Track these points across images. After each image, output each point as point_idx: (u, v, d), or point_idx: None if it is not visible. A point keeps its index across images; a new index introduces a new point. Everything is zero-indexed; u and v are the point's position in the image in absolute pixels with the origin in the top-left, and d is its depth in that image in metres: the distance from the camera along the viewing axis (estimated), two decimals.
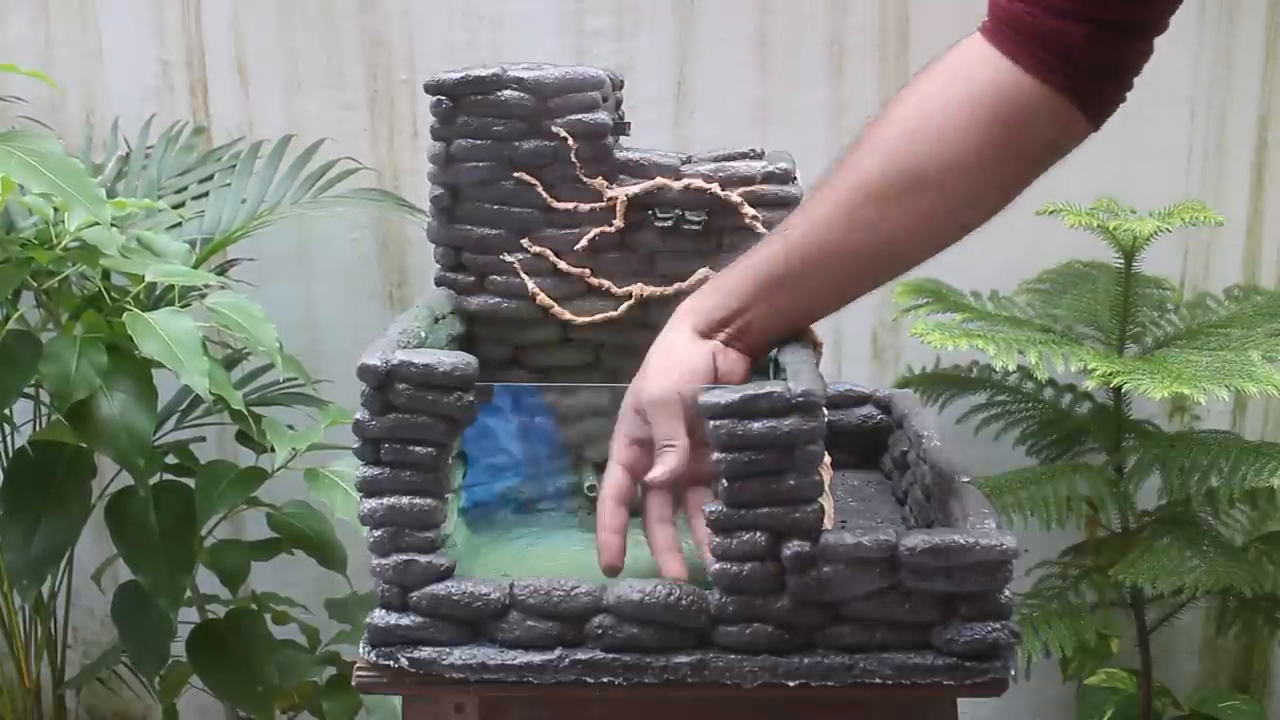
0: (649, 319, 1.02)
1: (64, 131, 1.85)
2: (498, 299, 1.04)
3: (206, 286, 1.40)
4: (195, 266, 1.46)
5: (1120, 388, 1.53)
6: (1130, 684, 1.73)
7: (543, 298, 1.03)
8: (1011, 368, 1.49)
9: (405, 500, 0.85)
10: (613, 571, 0.87)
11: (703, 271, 1.02)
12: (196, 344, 1.29)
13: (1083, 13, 0.84)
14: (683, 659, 0.84)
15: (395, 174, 1.86)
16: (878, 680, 0.84)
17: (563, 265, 1.03)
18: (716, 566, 0.83)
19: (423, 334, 0.93)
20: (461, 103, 1.00)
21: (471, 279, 1.04)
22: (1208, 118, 1.81)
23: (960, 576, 0.81)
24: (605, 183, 1.01)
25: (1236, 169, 1.83)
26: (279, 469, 1.43)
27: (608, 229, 1.02)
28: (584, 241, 1.02)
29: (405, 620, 0.85)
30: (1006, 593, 0.83)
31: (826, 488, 0.85)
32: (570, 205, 1.02)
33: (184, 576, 1.46)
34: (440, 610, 0.85)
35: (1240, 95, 1.81)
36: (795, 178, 1.02)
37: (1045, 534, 1.67)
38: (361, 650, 0.87)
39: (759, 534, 0.82)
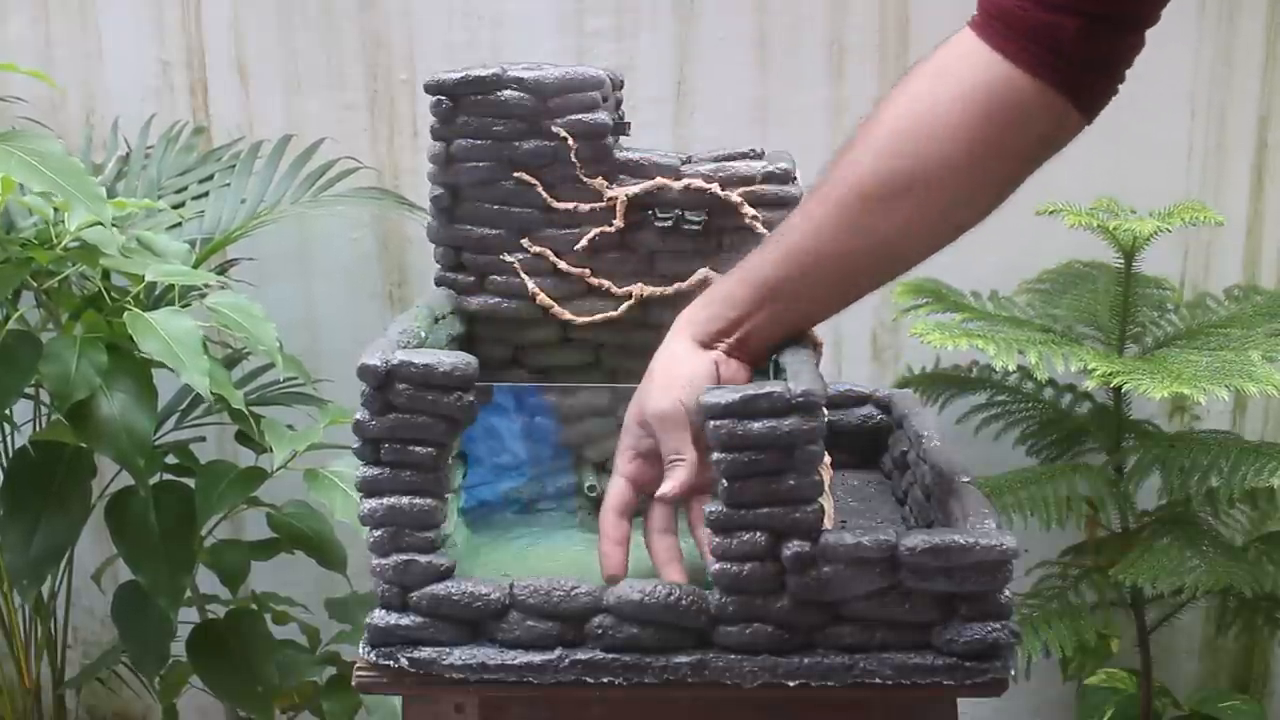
0: (649, 319, 1.02)
1: (64, 131, 1.85)
2: (498, 299, 1.04)
3: (206, 286, 1.40)
4: (195, 266, 1.46)
5: (1120, 388, 1.53)
6: (1130, 684, 1.73)
7: (543, 298, 1.03)
8: (1011, 368, 1.49)
9: (405, 500, 0.85)
10: (614, 583, 0.87)
11: (703, 272, 1.02)
12: (197, 343, 1.29)
13: (1075, 6, 0.83)
14: (683, 659, 0.84)
15: (395, 174, 1.86)
16: (878, 680, 0.84)
17: (563, 265, 1.03)
18: (716, 566, 0.83)
19: (423, 334, 0.93)
20: (461, 103, 1.00)
21: (471, 279, 1.04)
22: (1208, 117, 1.81)
23: (960, 576, 0.81)
24: (605, 183, 1.01)
25: (1236, 169, 1.83)
26: (279, 469, 1.43)
27: (608, 229, 1.02)
28: (584, 241, 1.02)
29: (405, 620, 0.85)
30: (1006, 593, 0.83)
31: (826, 488, 0.85)
32: (570, 205, 1.02)
33: (184, 576, 1.46)
34: (440, 610, 0.85)
35: (1240, 95, 1.81)
36: (795, 178, 1.02)
37: (1045, 534, 1.67)
38: (361, 650, 0.87)
39: (759, 534, 0.82)
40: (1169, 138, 1.81)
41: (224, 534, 1.70)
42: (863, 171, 0.88)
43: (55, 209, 1.35)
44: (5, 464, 1.56)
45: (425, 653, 0.85)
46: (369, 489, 0.85)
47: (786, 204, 1.00)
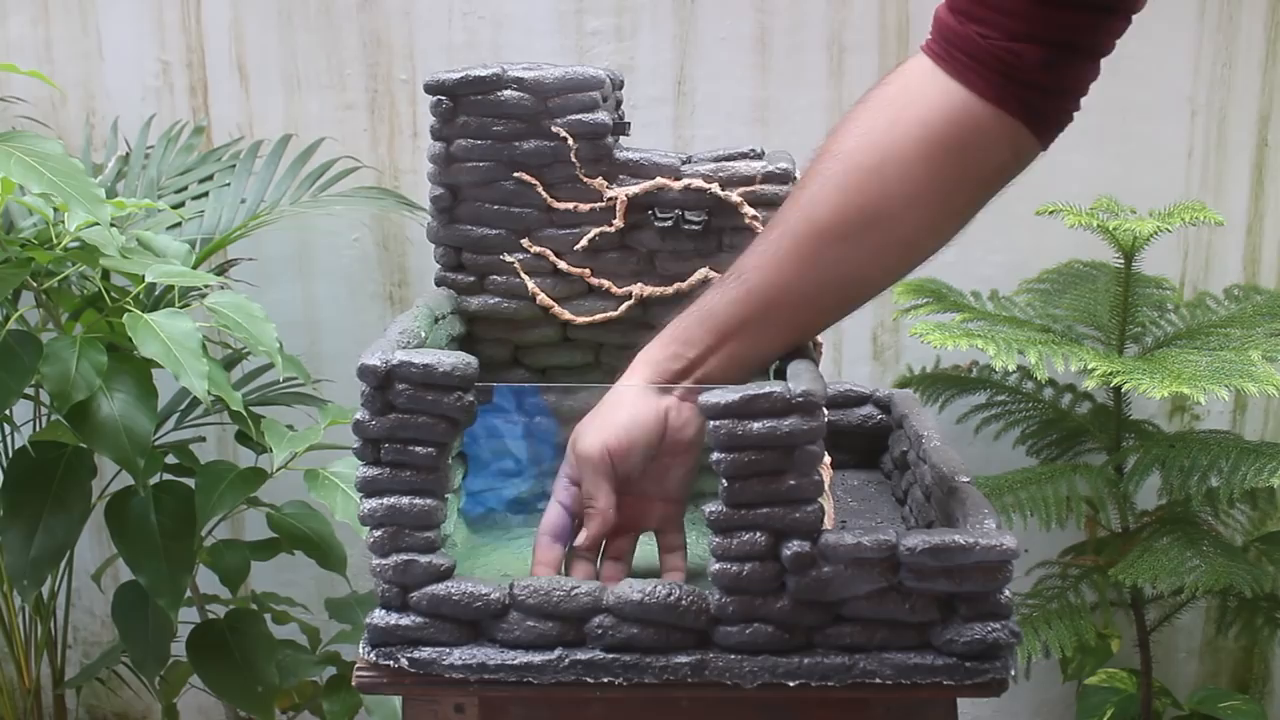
0: (649, 319, 1.02)
1: (64, 131, 1.85)
2: (498, 299, 1.04)
3: (206, 287, 1.40)
4: (195, 266, 1.45)
5: (1120, 388, 1.53)
6: (1130, 684, 1.73)
7: (543, 298, 1.03)
8: (1011, 368, 1.49)
9: (405, 500, 0.85)
10: None
11: (703, 271, 1.02)
12: (196, 345, 1.29)
13: (1037, 35, 0.83)
14: (683, 659, 0.84)
15: (395, 174, 1.86)
16: (878, 680, 0.84)
17: (563, 265, 1.03)
18: (716, 566, 0.83)
19: (423, 334, 0.93)
20: (461, 103, 1.00)
21: (471, 279, 1.04)
22: (1208, 117, 1.81)
23: (960, 576, 0.81)
24: (605, 183, 1.01)
25: (1236, 169, 1.83)
26: (279, 469, 1.43)
27: (608, 229, 1.02)
28: (584, 241, 1.02)
29: (405, 620, 0.85)
30: (1006, 593, 0.83)
31: (826, 488, 0.85)
32: (570, 205, 1.02)
33: (184, 576, 1.46)
34: (440, 610, 0.85)
35: (1240, 95, 1.81)
36: (795, 177, 1.02)
37: (1045, 534, 1.67)
38: (361, 650, 0.87)
39: (759, 534, 0.82)
40: (1169, 138, 1.81)
41: (224, 534, 1.70)
42: (824, 209, 0.87)
43: (55, 209, 1.35)
44: (5, 464, 1.56)
45: (425, 653, 0.85)
46: (369, 489, 0.85)
47: None
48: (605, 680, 0.84)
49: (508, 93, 0.99)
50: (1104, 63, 0.87)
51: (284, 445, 1.41)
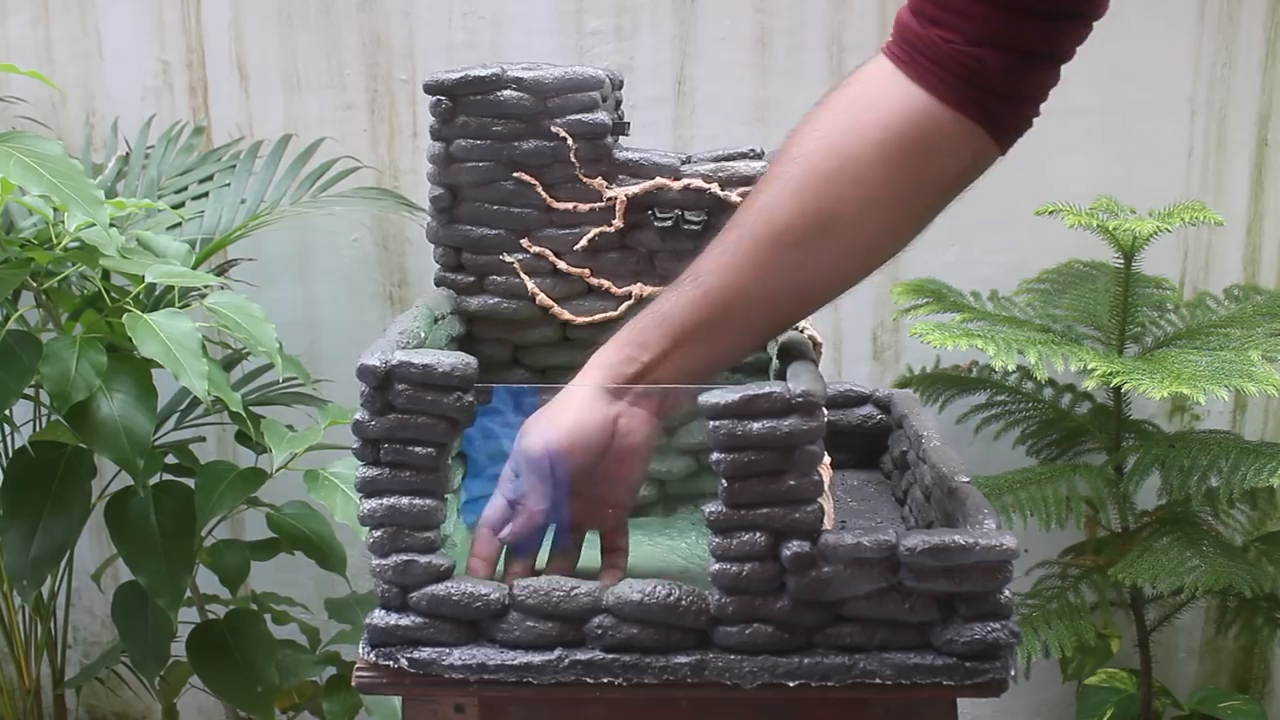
0: None
1: (64, 131, 1.85)
2: (498, 299, 1.04)
3: (206, 287, 1.40)
4: (195, 266, 1.46)
5: (1120, 388, 1.53)
6: (1130, 684, 1.73)
7: (543, 298, 1.03)
8: (1011, 368, 1.49)
9: (405, 500, 0.85)
10: None
11: None
12: (196, 346, 1.29)
13: (999, 41, 0.83)
14: (682, 659, 0.84)
15: (395, 174, 1.86)
16: (878, 680, 0.84)
17: (563, 265, 1.03)
18: (716, 566, 0.83)
19: (423, 334, 0.93)
20: (461, 103, 1.00)
21: (471, 279, 1.04)
22: (1208, 117, 1.81)
23: (960, 576, 0.81)
24: (605, 183, 1.01)
25: (1236, 169, 1.83)
26: (279, 470, 1.43)
27: (607, 229, 1.02)
28: (583, 241, 1.02)
29: (405, 620, 0.85)
30: (1006, 593, 0.83)
31: (826, 488, 0.85)
32: (570, 205, 1.02)
33: (184, 576, 1.46)
34: (440, 610, 0.85)
35: (1240, 95, 1.81)
36: None
37: (1045, 534, 1.67)
38: (361, 650, 0.87)
39: (759, 534, 0.82)
40: (1169, 138, 1.81)
41: (224, 534, 1.70)
42: (782, 213, 0.86)
43: (55, 210, 1.35)
44: (5, 464, 1.56)
45: (425, 653, 0.85)
46: (369, 489, 0.85)
47: None
48: (605, 680, 0.84)
49: (507, 93, 0.99)
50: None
51: (284, 445, 1.41)
